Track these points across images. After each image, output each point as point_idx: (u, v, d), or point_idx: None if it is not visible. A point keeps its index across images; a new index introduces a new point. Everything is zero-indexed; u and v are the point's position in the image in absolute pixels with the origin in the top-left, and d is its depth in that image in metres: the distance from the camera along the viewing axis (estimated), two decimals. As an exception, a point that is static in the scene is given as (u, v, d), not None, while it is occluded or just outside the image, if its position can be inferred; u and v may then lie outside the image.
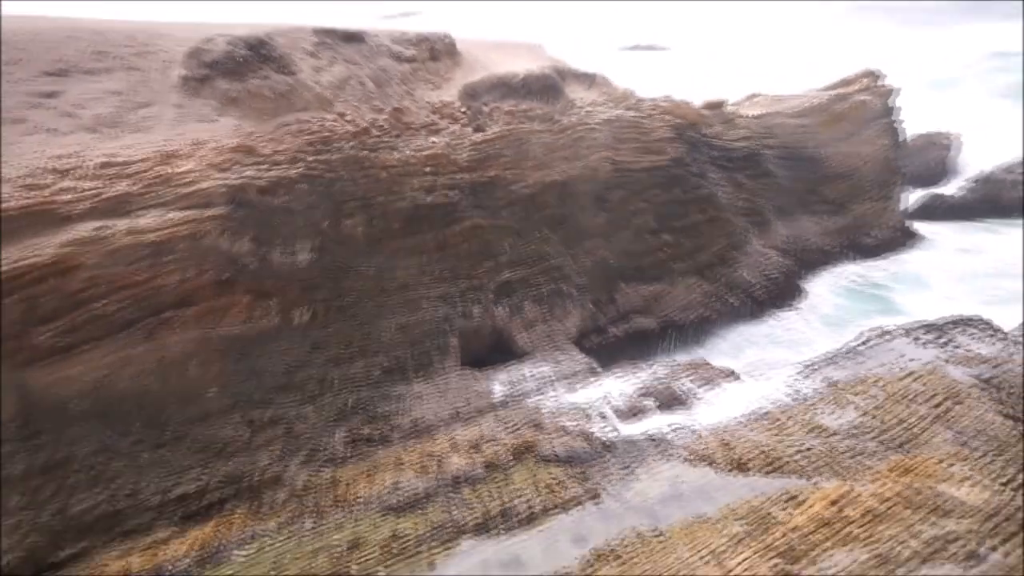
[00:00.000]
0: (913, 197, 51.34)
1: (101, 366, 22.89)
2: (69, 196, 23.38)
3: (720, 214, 38.55)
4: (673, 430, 26.77)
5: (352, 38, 33.14)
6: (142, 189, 24.48)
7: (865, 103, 45.79)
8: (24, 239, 22.33)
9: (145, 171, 24.83)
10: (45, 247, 22.41)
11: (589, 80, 38.20)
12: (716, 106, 42.27)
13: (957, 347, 31.47)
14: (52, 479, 21.57)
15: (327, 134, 28.84)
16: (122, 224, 23.66)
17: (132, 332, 23.48)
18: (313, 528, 22.47)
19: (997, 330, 33.04)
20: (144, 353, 23.59)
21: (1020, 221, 48.95)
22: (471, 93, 33.39)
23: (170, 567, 21.10)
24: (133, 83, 27.58)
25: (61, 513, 21.40)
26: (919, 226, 47.89)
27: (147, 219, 24.10)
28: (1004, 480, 22.47)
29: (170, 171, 25.17)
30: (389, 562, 21.14)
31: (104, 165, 24.42)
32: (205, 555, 21.47)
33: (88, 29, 30.49)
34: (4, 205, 22.37)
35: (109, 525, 21.83)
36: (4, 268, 21.65)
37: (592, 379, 29.64)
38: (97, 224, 23.33)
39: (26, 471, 21.25)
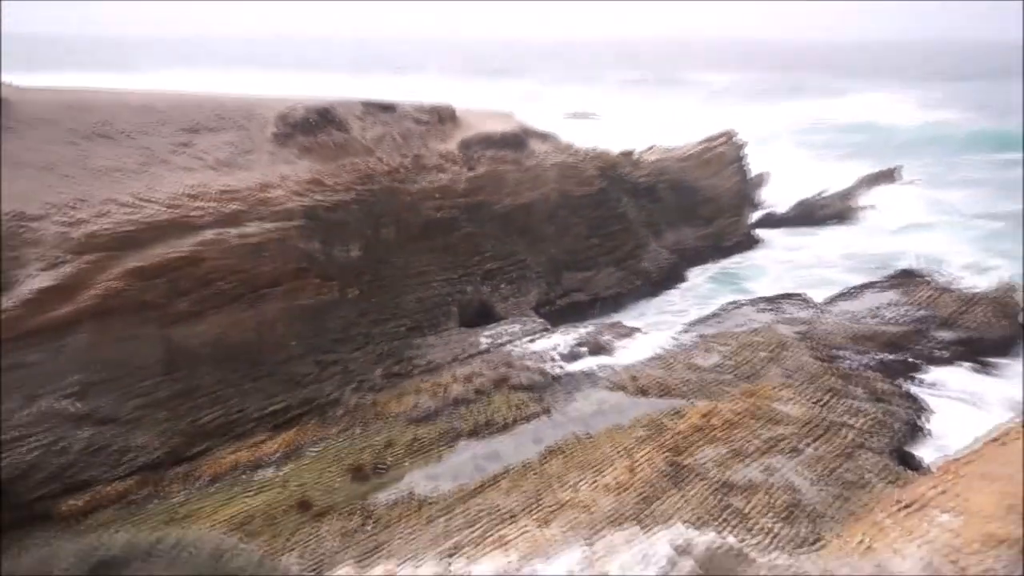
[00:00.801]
0: (755, 214, 51.18)
1: (220, 325, 22.76)
2: (199, 212, 23.23)
3: (630, 225, 38.52)
4: (599, 368, 26.76)
5: (386, 108, 32.87)
6: (247, 208, 24.33)
7: (724, 152, 45.86)
8: (168, 240, 22.19)
9: (249, 196, 24.68)
10: (183, 246, 22.31)
11: (544, 136, 38.03)
12: (627, 154, 42.27)
13: (784, 313, 31.67)
14: (187, 400, 21.43)
15: (370, 172, 28.70)
16: (234, 231, 23.53)
17: (240, 303, 23.35)
18: (361, 433, 22.40)
19: (810, 301, 33.29)
20: (248, 317, 23.46)
21: (826, 229, 49.36)
22: (466, 145, 33.20)
23: (266, 459, 21.02)
24: (241, 137, 27.31)
25: (192, 423, 21.27)
26: (760, 233, 47.88)
27: (251, 228, 23.97)
28: (815, 400, 22.60)
29: (266, 196, 25.04)
30: (412, 456, 21.11)
31: (222, 192, 24.23)
32: (289, 451, 21.41)
33: (211, 100, 30.15)
34: (155, 219, 22.18)
35: (224, 431, 21.71)
36: (157, 260, 21.53)
37: (546, 334, 29.57)
38: (217, 231, 23.20)
39: (169, 395, 21.12)
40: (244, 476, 20.27)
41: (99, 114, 25.86)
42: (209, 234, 22.98)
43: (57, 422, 19.14)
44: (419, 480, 19.95)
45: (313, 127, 28.50)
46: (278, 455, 21.21)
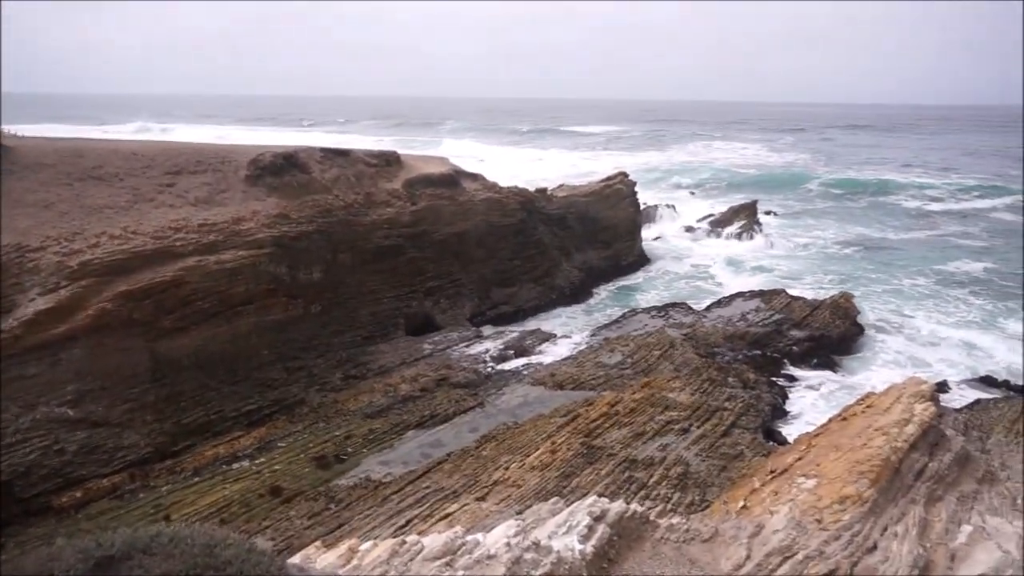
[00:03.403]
0: (646, 238, 51.14)
1: (200, 338, 21.89)
2: (181, 242, 22.36)
3: (546, 249, 38.61)
4: (524, 367, 26.69)
5: (341, 153, 32.35)
6: (223, 238, 23.53)
7: (621, 189, 46.29)
8: (155, 267, 21.31)
9: (225, 228, 23.88)
10: (167, 271, 21.42)
11: (474, 177, 37.91)
12: (542, 191, 42.37)
13: (672, 318, 32.11)
14: (171, 404, 20.52)
15: (328, 207, 28.10)
16: (212, 258, 22.72)
17: (218, 319, 22.53)
18: (324, 428, 21.76)
19: (692, 309, 33.81)
20: (225, 331, 22.64)
21: (702, 250, 50.05)
22: (409, 184, 32.84)
23: (241, 452, 20.22)
24: (218, 178, 26.44)
25: (176, 423, 20.37)
26: (650, 253, 47.96)
27: (227, 255, 23.16)
28: (699, 389, 22.85)
29: (240, 228, 24.27)
30: (368, 446, 20.60)
31: (202, 225, 23.38)
32: (262, 445, 20.65)
33: (191, 148, 29.24)
34: (143, 249, 21.27)
35: (205, 429, 20.84)
36: (144, 284, 20.60)
37: (478, 340, 29.36)
38: (198, 258, 22.37)
39: (156, 400, 20.19)
40: (223, 468, 19.44)
41: (92, 159, 24.79)
42: (190, 261, 22.15)
43: (54, 426, 18.10)
44: (374, 466, 19.47)
45: (280, 170, 27.80)
46: (252, 448, 20.43)
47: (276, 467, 19.33)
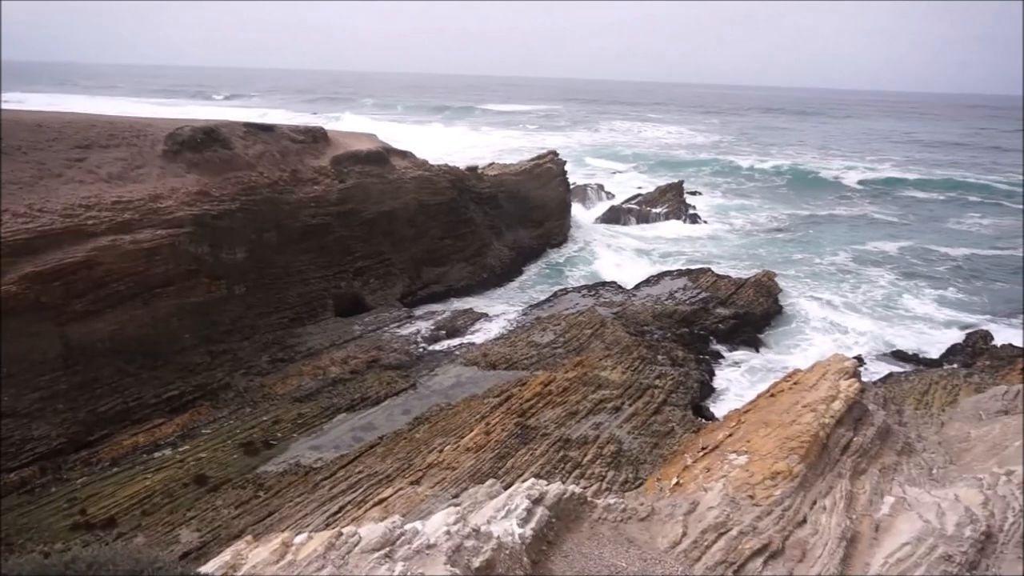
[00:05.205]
0: (576, 217, 51.11)
1: (116, 322, 20.80)
2: (93, 221, 21.10)
3: (477, 228, 38.26)
4: (456, 347, 26.50)
5: (266, 128, 31.15)
6: (140, 216, 22.34)
7: (551, 168, 46.26)
8: (65, 247, 20.06)
9: (142, 206, 22.66)
10: (79, 251, 20.20)
11: (404, 154, 37.14)
12: (473, 169, 41.88)
13: (602, 297, 32.37)
14: (85, 391, 19.45)
15: (252, 184, 27.04)
16: (128, 237, 21.56)
17: (135, 301, 21.44)
18: (250, 413, 21.10)
19: (622, 288, 34.17)
20: (143, 314, 21.57)
21: (631, 228, 50.60)
22: (337, 161, 31.92)
23: (163, 441, 19.39)
24: (133, 153, 25.03)
25: (91, 411, 19.32)
26: (581, 232, 47.85)
27: (143, 234, 22.01)
28: (630, 367, 23.12)
29: (157, 206, 23.08)
30: (297, 431, 20.11)
31: (116, 203, 22.13)
32: (185, 432, 19.87)
33: (103, 121, 27.54)
34: (52, 227, 19.97)
35: (123, 418, 19.86)
36: (53, 265, 19.35)
37: (409, 321, 28.98)
38: (112, 237, 21.19)
39: (68, 387, 19.10)
40: (143, 457, 18.62)
41: (-9, 131, 23.08)
42: (104, 240, 20.95)
43: (-44, 418, 16.93)
44: (304, 451, 19.01)
45: (200, 145, 26.53)
46: (175, 436, 19.63)
47: (201, 455, 18.64)
